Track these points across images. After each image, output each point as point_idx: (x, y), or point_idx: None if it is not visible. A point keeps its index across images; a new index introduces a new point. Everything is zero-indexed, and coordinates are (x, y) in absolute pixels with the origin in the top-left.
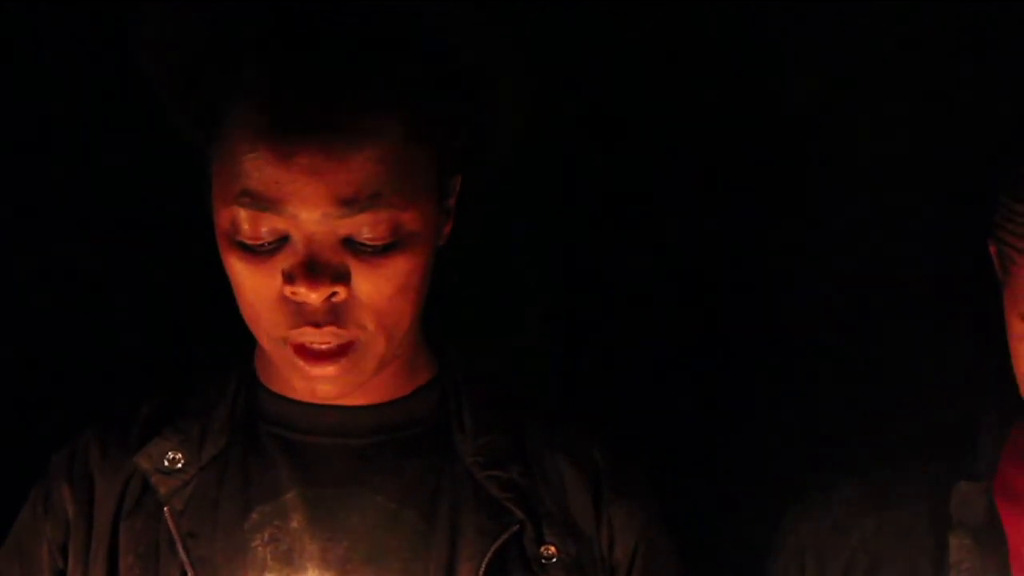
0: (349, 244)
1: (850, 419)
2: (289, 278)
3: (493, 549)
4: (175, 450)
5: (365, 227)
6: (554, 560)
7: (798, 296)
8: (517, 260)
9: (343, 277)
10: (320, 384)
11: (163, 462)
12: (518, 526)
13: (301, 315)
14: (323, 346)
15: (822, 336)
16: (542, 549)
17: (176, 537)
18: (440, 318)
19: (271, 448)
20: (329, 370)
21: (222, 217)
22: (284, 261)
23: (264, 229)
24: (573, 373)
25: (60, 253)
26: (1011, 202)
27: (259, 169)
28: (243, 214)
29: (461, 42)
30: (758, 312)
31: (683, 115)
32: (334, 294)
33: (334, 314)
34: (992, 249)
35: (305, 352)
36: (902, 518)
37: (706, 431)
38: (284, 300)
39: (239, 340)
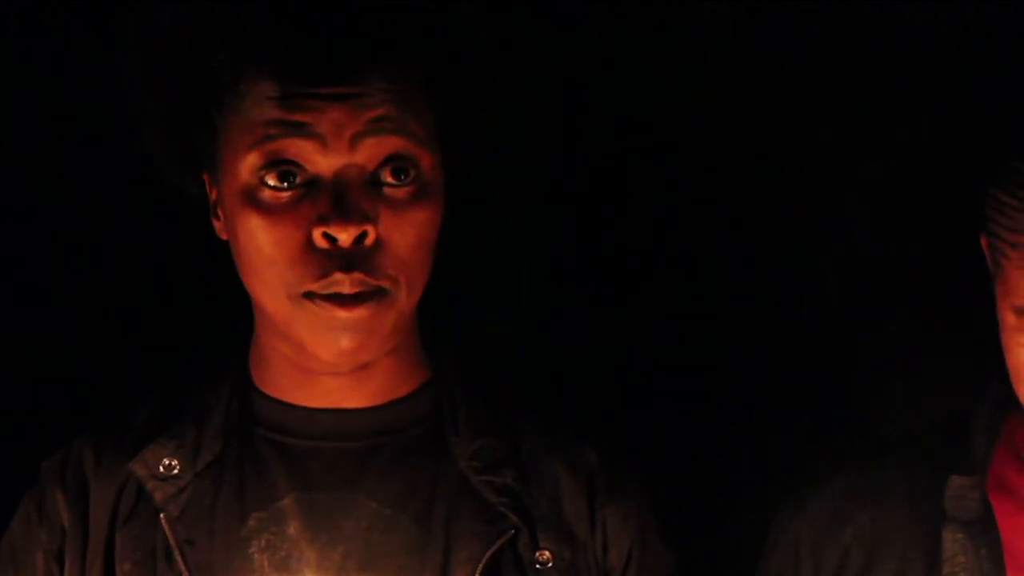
0: (375, 188)
1: (842, 414)
2: (322, 219)
3: (488, 555)
4: (171, 456)
5: (390, 165)
6: (549, 565)
7: (788, 292)
8: (504, 256)
9: (372, 219)
10: (345, 335)
11: (159, 468)
12: (513, 531)
13: (330, 262)
14: (355, 291)
15: (814, 332)
16: (537, 554)
17: (173, 544)
18: (430, 315)
19: (266, 453)
20: (359, 311)
21: (243, 170)
22: (311, 210)
23: (293, 171)
24: (562, 371)
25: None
26: (1002, 195)
27: (285, 100)
28: (271, 148)
29: (463, 17)
30: (749, 309)
31: (678, 113)
32: (364, 235)
33: (362, 259)
34: (984, 242)
35: (337, 298)
36: (896, 513)
37: (697, 429)
38: (309, 252)
39: (230, 343)
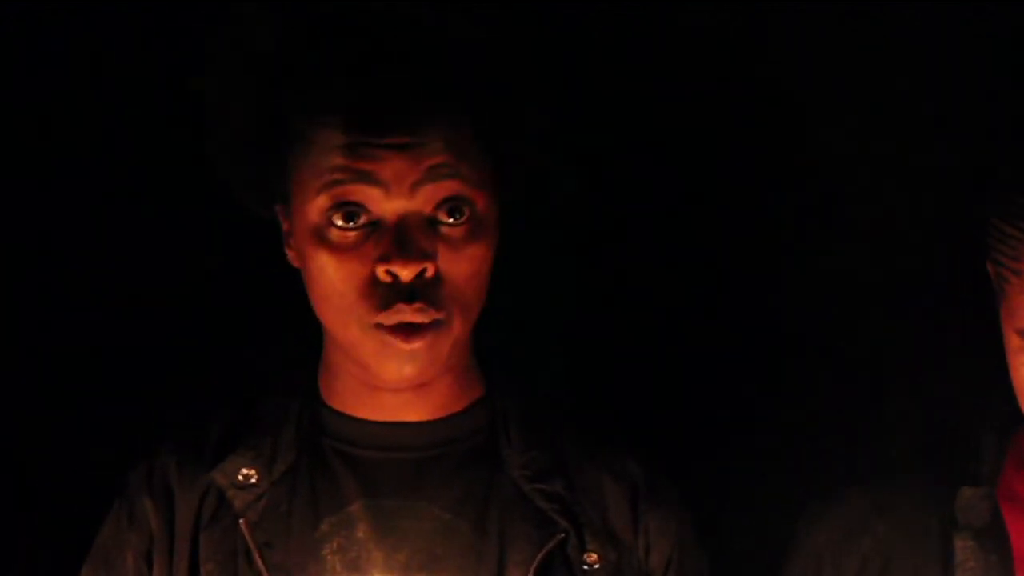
0: (433, 227)
1: (856, 426)
2: (384, 258)
3: (540, 556)
4: (248, 467)
5: (446, 206)
6: (596, 567)
7: (801, 302)
8: (524, 265)
9: (431, 255)
10: (407, 363)
11: (237, 478)
12: (563, 535)
13: (393, 294)
14: (416, 320)
15: (827, 343)
16: (585, 556)
17: (252, 547)
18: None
19: (335, 463)
20: (419, 344)
21: (311, 211)
22: (374, 249)
23: (358, 213)
24: (579, 378)
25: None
26: (1002, 224)
27: (352, 149)
28: (338, 192)
29: (514, 59)
30: (761, 319)
31: (678, 114)
32: (424, 270)
33: (422, 291)
34: (989, 267)
35: (401, 329)
36: (911, 523)
37: (712, 439)
38: (374, 285)
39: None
